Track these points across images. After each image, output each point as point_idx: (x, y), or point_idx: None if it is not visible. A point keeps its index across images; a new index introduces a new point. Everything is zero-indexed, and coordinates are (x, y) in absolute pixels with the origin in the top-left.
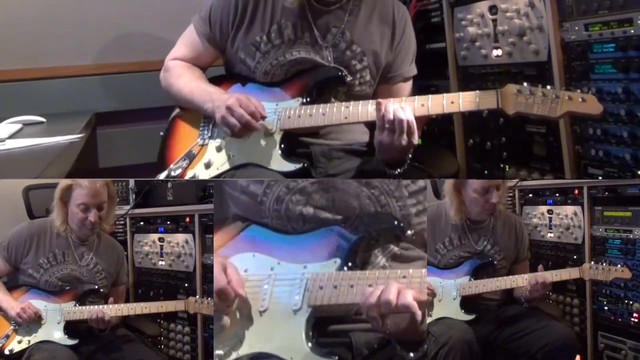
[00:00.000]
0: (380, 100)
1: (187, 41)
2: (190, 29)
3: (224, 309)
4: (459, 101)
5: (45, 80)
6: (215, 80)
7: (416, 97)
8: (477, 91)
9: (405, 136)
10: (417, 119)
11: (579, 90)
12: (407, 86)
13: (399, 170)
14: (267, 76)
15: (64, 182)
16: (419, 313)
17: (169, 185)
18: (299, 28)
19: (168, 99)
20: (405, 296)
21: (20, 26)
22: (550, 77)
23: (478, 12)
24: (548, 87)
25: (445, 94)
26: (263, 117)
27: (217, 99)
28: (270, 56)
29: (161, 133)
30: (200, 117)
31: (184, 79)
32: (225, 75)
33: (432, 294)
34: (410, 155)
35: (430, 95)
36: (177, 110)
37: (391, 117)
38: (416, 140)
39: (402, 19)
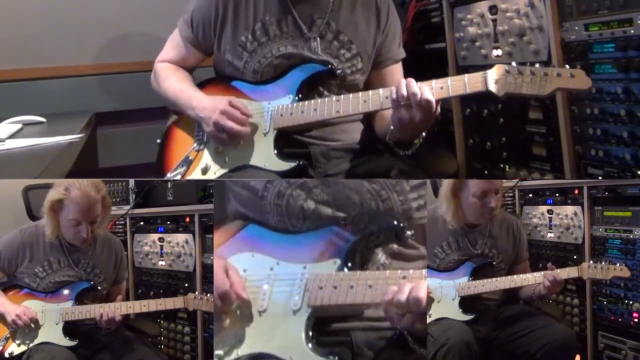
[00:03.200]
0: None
1: (173, 44)
2: (176, 32)
3: (224, 310)
4: (448, 85)
5: (45, 80)
6: (206, 83)
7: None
8: (465, 74)
9: (422, 110)
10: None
11: (567, 66)
12: (398, 68)
13: (408, 151)
14: (256, 75)
15: (54, 194)
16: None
17: (169, 185)
18: (283, 23)
19: None
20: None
21: (20, 26)
22: None
23: (478, 12)
24: (537, 65)
25: (433, 80)
26: (249, 116)
27: (198, 107)
28: (258, 54)
29: (158, 140)
30: (195, 122)
31: (169, 81)
32: (216, 77)
33: (430, 299)
34: (422, 137)
35: (420, 83)
36: (172, 118)
37: (404, 92)
38: (435, 116)
39: (385, 4)
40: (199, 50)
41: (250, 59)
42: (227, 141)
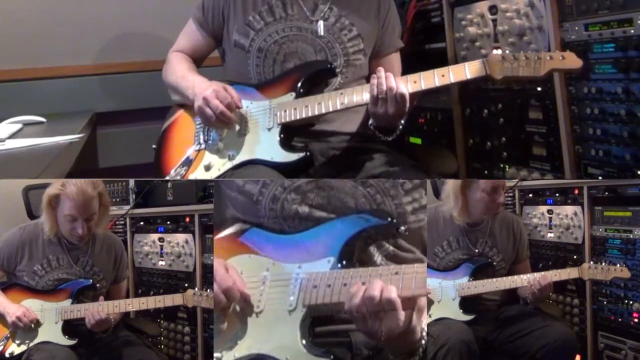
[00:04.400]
0: (374, 74)
1: (186, 31)
2: (190, 21)
3: (222, 310)
4: (449, 73)
5: (45, 80)
6: None
7: (408, 75)
8: (465, 62)
9: (396, 105)
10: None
11: (557, 50)
12: (397, 56)
13: (390, 137)
14: (261, 53)
15: (52, 190)
16: (401, 312)
17: (169, 185)
18: (288, 6)
19: (167, 99)
20: (389, 291)
21: (20, 26)
22: (550, 76)
23: (478, 12)
24: (529, 51)
25: (435, 69)
26: (238, 107)
27: (197, 86)
28: (264, 33)
29: (154, 146)
30: (192, 122)
31: (177, 68)
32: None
33: (430, 300)
34: (402, 123)
35: (420, 72)
36: (167, 122)
37: (384, 87)
38: (407, 107)
39: None
40: (209, 34)
41: (257, 37)
42: (210, 120)
